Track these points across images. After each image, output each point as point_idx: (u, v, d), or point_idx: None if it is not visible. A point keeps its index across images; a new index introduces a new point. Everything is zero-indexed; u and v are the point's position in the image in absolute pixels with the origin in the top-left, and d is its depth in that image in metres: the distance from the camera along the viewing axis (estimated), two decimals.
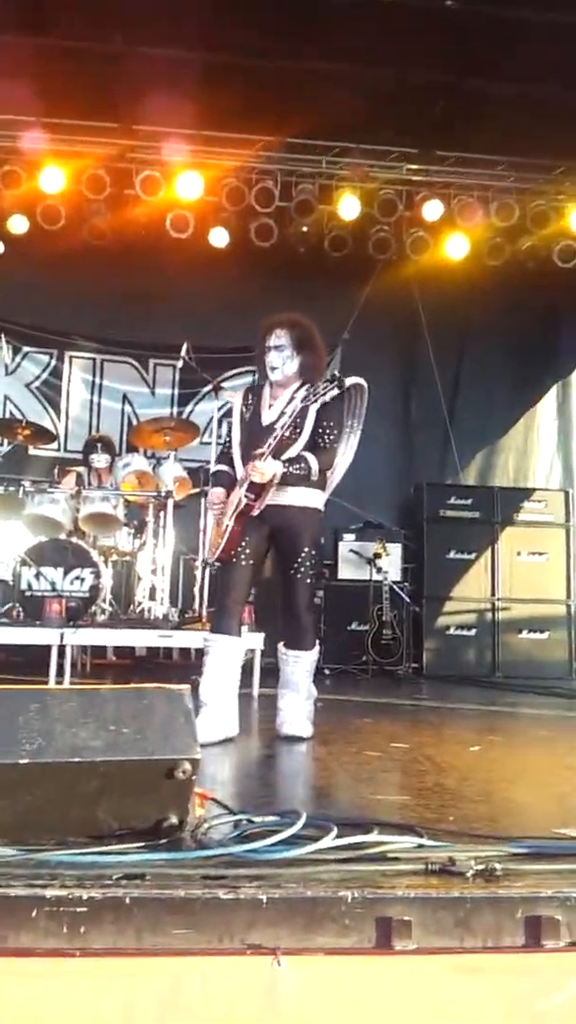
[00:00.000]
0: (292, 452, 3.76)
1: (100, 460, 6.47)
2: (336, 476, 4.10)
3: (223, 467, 4.05)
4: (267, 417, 3.90)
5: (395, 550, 7.46)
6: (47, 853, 1.86)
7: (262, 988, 1.74)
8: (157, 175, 7.14)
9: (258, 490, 3.73)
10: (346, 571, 7.44)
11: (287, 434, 3.73)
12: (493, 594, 7.74)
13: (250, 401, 4.03)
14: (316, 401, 3.68)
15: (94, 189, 7.07)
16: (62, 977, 1.65)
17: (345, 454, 4.03)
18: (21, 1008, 1.62)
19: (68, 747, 1.92)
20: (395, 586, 7.22)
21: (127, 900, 1.70)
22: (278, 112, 6.97)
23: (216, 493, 3.99)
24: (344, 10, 6.04)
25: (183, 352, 5.52)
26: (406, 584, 7.45)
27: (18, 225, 7.16)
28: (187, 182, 7.17)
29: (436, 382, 8.36)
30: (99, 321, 8.02)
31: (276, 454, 3.71)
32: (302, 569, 3.85)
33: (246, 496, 3.74)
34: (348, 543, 7.49)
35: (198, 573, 6.22)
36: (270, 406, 3.93)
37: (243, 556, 3.81)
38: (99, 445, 6.60)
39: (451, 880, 1.92)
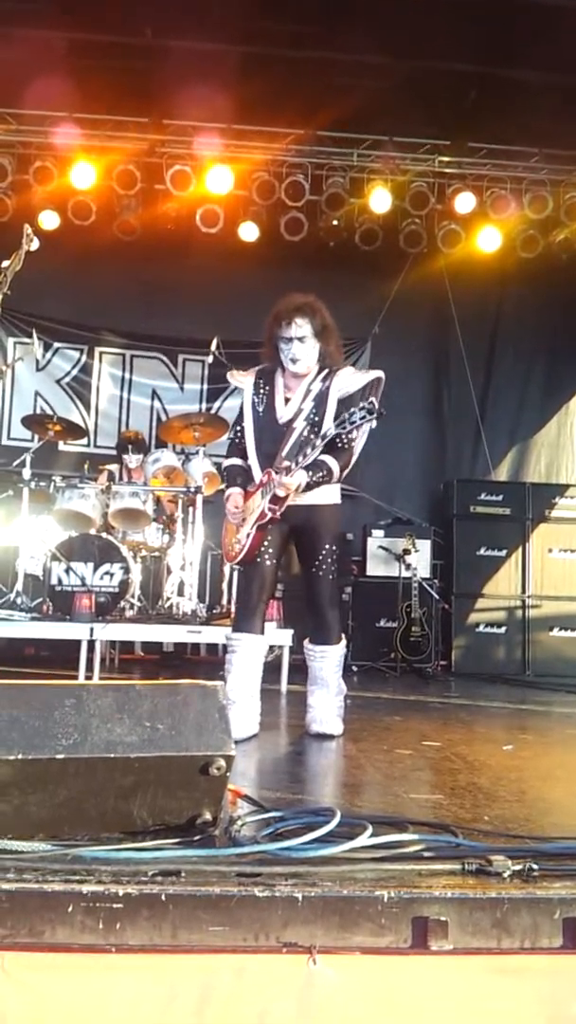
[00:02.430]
0: (311, 454, 3.65)
1: (133, 460, 6.50)
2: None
3: (236, 461, 3.90)
4: (283, 413, 3.78)
5: (424, 546, 7.42)
6: (83, 848, 1.86)
7: (298, 986, 1.73)
8: (187, 170, 7.14)
9: (281, 501, 3.67)
10: (375, 567, 7.41)
11: (307, 435, 3.68)
12: (524, 591, 7.67)
13: (263, 389, 3.84)
14: (349, 430, 3.55)
15: (125, 184, 7.09)
16: (99, 972, 1.65)
17: (360, 440, 3.85)
18: (58, 1003, 1.62)
19: (103, 742, 1.92)
20: (424, 583, 7.17)
21: (163, 897, 1.70)
22: (309, 105, 6.95)
23: (235, 496, 3.85)
24: (375, 0, 6.00)
25: (213, 347, 5.50)
26: (435, 581, 7.40)
27: (49, 221, 7.19)
28: (217, 176, 7.17)
29: (467, 377, 8.30)
30: (129, 316, 8.05)
31: (295, 457, 3.64)
32: (324, 565, 3.81)
33: (270, 508, 3.67)
34: (377, 539, 7.45)
35: (226, 569, 6.22)
36: (286, 400, 3.80)
37: (265, 555, 3.77)
38: (131, 445, 6.63)
39: (488, 880, 1.89)
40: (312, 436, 3.68)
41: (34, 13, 5.99)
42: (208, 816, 2.06)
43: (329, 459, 3.64)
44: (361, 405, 3.51)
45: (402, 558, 7.14)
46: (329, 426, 3.65)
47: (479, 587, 7.66)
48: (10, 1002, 1.59)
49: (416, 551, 7.14)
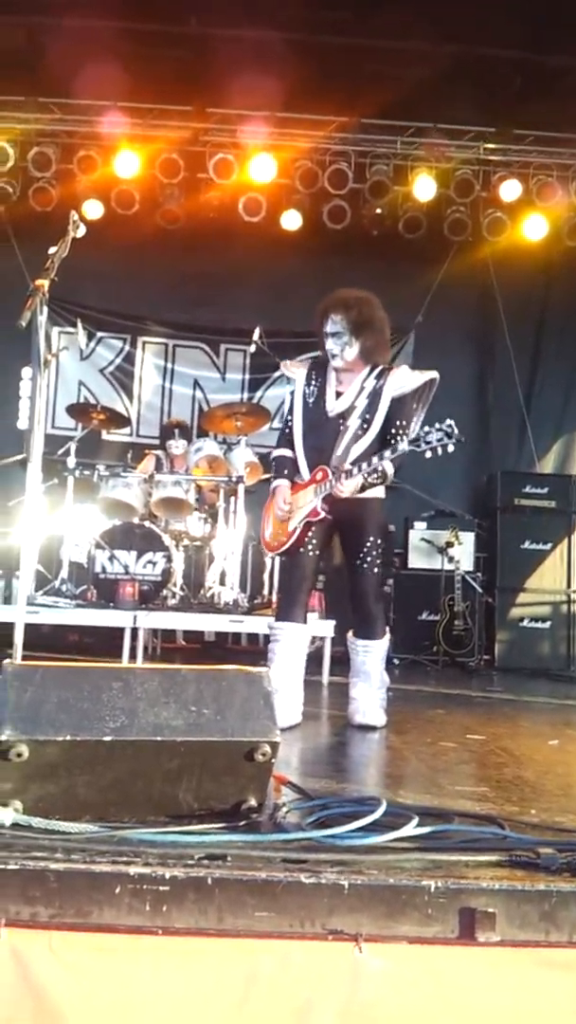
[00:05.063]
0: (363, 446, 3.66)
1: (177, 446, 6.51)
2: None
3: (285, 452, 3.89)
4: (333, 407, 3.77)
5: (468, 539, 7.33)
6: (129, 831, 1.87)
7: (344, 974, 1.72)
8: (230, 158, 7.11)
9: (333, 503, 3.67)
10: (417, 560, 7.35)
11: (358, 434, 3.67)
12: (569, 586, 7.55)
13: (314, 381, 3.84)
14: (424, 450, 3.45)
15: (168, 173, 7.08)
16: (145, 954, 1.66)
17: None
18: (104, 983, 1.63)
19: (150, 726, 1.93)
20: (467, 576, 7.10)
21: (209, 880, 1.70)
22: (353, 92, 6.89)
23: (283, 488, 3.84)
24: None
25: (255, 336, 5.48)
26: (478, 574, 7.32)
27: (93, 210, 7.20)
28: (260, 165, 7.14)
29: (512, 367, 8.18)
30: (172, 306, 8.05)
31: (346, 455, 3.64)
32: (368, 559, 3.79)
33: (322, 508, 3.68)
34: (419, 531, 7.39)
35: (268, 559, 6.21)
36: (337, 395, 3.79)
37: (309, 546, 3.77)
38: (176, 431, 6.63)
39: (536, 873, 1.87)
40: (362, 430, 3.68)
41: (83, 4, 6.00)
42: (253, 802, 2.06)
43: (386, 465, 3.57)
44: (438, 427, 3.43)
45: (445, 551, 7.08)
46: (379, 438, 3.65)
47: (523, 581, 7.55)
48: (56, 981, 1.60)
49: (459, 544, 7.07)
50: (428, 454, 3.45)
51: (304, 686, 3.84)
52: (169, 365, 8.18)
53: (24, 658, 3.03)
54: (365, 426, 3.70)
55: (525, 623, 7.50)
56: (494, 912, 1.77)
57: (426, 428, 3.47)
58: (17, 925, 1.62)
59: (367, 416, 3.70)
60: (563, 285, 8.10)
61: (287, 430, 3.93)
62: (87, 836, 1.80)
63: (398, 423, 3.69)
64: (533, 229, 7.58)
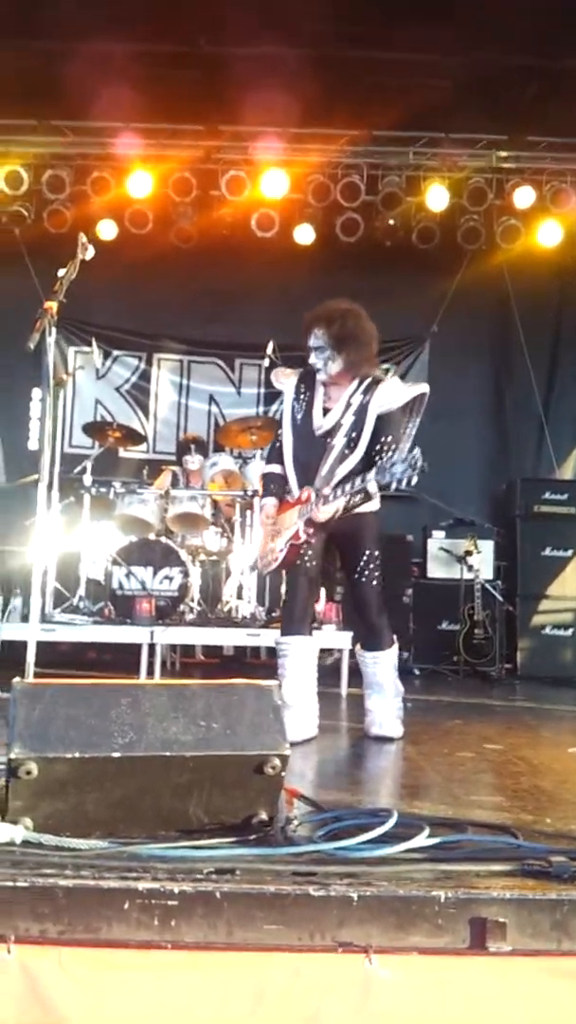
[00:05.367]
0: (349, 466, 3.63)
1: (193, 462, 6.54)
2: None
3: (275, 468, 3.88)
4: (320, 424, 3.75)
5: (487, 547, 7.30)
6: (139, 846, 1.88)
7: (355, 986, 1.72)
8: (242, 175, 7.17)
9: (317, 526, 3.67)
10: (436, 569, 7.32)
11: (345, 451, 3.65)
12: None
13: (303, 394, 3.81)
14: (390, 482, 3.39)
15: (181, 192, 7.15)
16: (154, 969, 1.67)
17: (403, 446, 3.75)
18: (114, 998, 1.64)
19: (159, 741, 1.94)
20: (487, 584, 7.07)
21: (217, 894, 1.70)
22: (364, 104, 6.91)
23: (268, 506, 3.87)
24: None
25: (268, 351, 5.52)
26: (499, 582, 7.28)
27: (107, 231, 7.29)
28: (272, 180, 7.19)
29: (530, 374, 8.15)
30: (186, 323, 8.11)
31: (332, 472, 3.62)
32: (367, 572, 3.78)
33: (305, 531, 3.67)
34: (438, 540, 7.36)
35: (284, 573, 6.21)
36: (325, 411, 3.77)
37: (305, 558, 3.75)
38: (192, 446, 6.67)
39: (548, 882, 1.86)
40: (347, 451, 3.66)
41: (97, 29, 6.08)
42: (264, 815, 2.06)
43: (370, 486, 3.51)
44: (403, 458, 3.35)
45: (464, 559, 7.05)
46: (365, 457, 3.61)
47: (544, 588, 7.49)
48: (67, 997, 1.61)
49: (478, 552, 7.04)
50: (394, 485, 3.40)
51: (322, 699, 3.84)
52: (185, 381, 8.23)
53: (39, 676, 3.06)
54: (352, 444, 3.66)
55: (547, 631, 7.44)
56: (505, 922, 1.76)
57: (393, 459, 3.39)
58: (26, 942, 1.63)
59: (353, 434, 3.66)
60: None
61: (278, 444, 3.93)
62: (97, 852, 1.82)
63: (384, 439, 3.64)
64: (548, 235, 7.57)
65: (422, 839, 2.00)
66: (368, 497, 3.59)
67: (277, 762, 2.02)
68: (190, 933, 1.69)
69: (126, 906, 1.67)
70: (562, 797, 2.76)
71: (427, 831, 2.04)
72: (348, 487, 3.55)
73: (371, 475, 3.48)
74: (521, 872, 1.89)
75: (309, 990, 1.71)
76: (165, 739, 1.95)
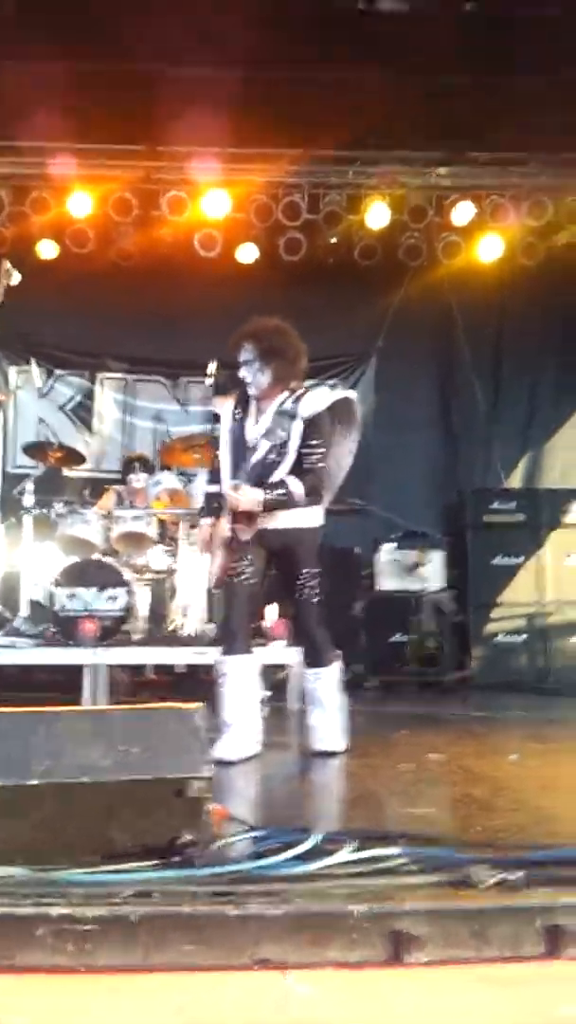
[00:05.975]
0: (276, 476, 3.71)
1: (138, 480, 6.52)
2: (335, 484, 4.01)
3: (213, 488, 3.99)
4: (252, 434, 3.84)
5: (437, 557, 7.37)
6: (60, 872, 1.88)
7: (273, 1003, 1.73)
8: (183, 195, 7.20)
9: (242, 519, 3.72)
10: (386, 581, 7.36)
11: (272, 457, 3.72)
12: (542, 598, 7.59)
13: (238, 413, 3.94)
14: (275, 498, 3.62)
15: (121, 212, 7.15)
16: (70, 995, 1.66)
17: (343, 460, 3.94)
18: None
19: (77, 767, 1.95)
20: (438, 594, 7.13)
21: (132, 918, 1.71)
22: (304, 125, 6.96)
23: (203, 528, 4.00)
24: (365, 19, 6.05)
25: (210, 370, 5.54)
26: (450, 591, 7.35)
27: (47, 250, 7.27)
28: (213, 200, 7.22)
29: (474, 386, 8.27)
30: (130, 341, 8.09)
31: (260, 478, 3.69)
32: (306, 590, 3.83)
33: (232, 528, 3.75)
34: (388, 552, 7.41)
35: None
36: (256, 421, 3.87)
37: (243, 575, 3.78)
38: (137, 465, 6.65)
39: (465, 892, 1.89)
40: (276, 457, 3.73)
41: (29, 46, 6.07)
42: (188, 837, 2.07)
43: (290, 480, 3.66)
44: (282, 480, 3.65)
45: (414, 570, 7.11)
46: (309, 454, 3.72)
47: (496, 596, 7.59)
48: None
49: (428, 562, 7.11)
50: (318, 455, 3.64)
51: (272, 715, 3.86)
52: (129, 400, 8.22)
53: None
54: (282, 450, 3.74)
55: (500, 638, 7.52)
56: (420, 933, 1.79)
57: (281, 480, 3.64)
58: None
59: (281, 438, 3.74)
60: (519, 302, 8.20)
61: (216, 466, 4.00)
62: (13, 880, 1.81)
63: (309, 443, 3.73)
64: (488, 250, 7.69)
65: (343, 854, 2.02)
66: (289, 494, 3.65)
67: (198, 784, 2.03)
68: (106, 957, 1.69)
69: (39, 932, 1.67)
70: (495, 805, 2.81)
71: (351, 846, 2.06)
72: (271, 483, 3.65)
73: (276, 473, 3.65)
74: (439, 883, 1.92)
75: (230, 1009, 1.72)
76: (84, 765, 1.95)
